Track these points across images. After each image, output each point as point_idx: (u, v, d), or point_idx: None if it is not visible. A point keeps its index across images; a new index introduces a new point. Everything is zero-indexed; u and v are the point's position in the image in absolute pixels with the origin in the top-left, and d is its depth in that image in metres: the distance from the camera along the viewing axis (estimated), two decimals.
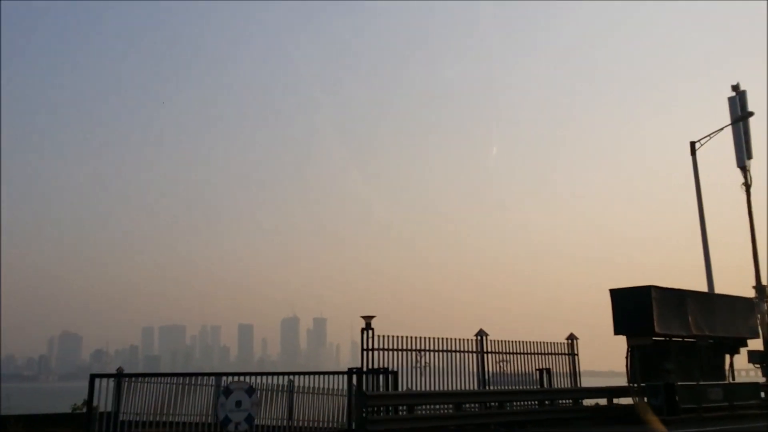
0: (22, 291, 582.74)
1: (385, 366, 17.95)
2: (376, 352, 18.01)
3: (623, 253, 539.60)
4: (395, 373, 18.04)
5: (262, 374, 16.79)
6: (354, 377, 17.40)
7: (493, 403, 19.72)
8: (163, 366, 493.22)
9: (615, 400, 22.28)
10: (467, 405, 19.19)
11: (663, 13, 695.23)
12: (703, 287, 28.55)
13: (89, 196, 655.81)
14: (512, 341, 20.92)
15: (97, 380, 16.00)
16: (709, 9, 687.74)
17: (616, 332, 22.20)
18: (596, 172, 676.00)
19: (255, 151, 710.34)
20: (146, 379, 16.64)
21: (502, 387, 20.02)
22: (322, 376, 17.58)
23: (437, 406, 18.74)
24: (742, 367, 27.56)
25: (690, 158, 31.07)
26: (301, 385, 17.09)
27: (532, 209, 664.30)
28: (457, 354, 19.49)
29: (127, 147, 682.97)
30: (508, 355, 20.54)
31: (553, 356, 21.79)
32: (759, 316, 27.16)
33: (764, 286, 28.77)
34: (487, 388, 19.69)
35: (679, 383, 21.92)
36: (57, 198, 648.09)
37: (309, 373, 17.62)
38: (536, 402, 20.64)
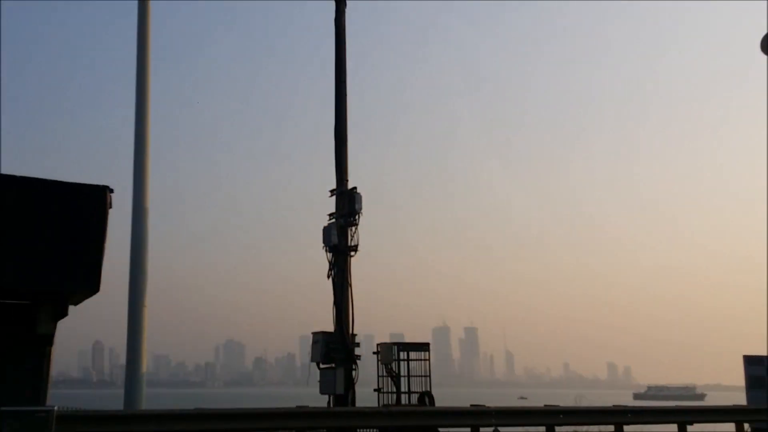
0: (192, 301, 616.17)
1: None
2: None
3: None
4: None
5: None
6: None
7: None
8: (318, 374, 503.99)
9: None
10: None
11: None
12: None
13: (259, 206, 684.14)
14: None
15: None
16: None
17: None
18: None
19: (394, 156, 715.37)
20: None
21: None
22: None
23: None
24: None
25: None
26: None
27: (692, 210, 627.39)
28: None
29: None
30: None
31: None
32: None
33: None
34: None
35: None
36: (226, 209, 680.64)
37: None
38: None
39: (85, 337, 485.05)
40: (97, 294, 9.28)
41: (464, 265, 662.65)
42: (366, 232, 19.73)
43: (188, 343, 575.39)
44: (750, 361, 18.93)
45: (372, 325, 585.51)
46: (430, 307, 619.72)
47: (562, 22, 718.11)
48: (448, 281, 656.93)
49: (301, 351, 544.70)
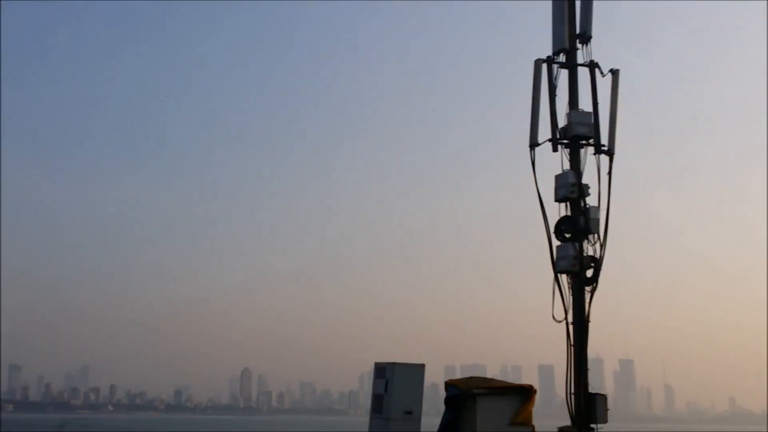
0: (337, 329, 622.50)
1: None
2: None
3: None
4: None
5: None
6: None
7: None
8: None
9: None
10: None
11: None
12: None
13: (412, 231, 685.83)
14: None
15: None
16: None
17: None
18: None
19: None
20: None
21: None
22: None
23: None
24: None
25: None
26: None
27: None
28: None
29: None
30: None
31: None
32: None
33: None
34: None
35: None
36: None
37: None
38: None
39: (234, 364, 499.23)
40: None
41: (618, 294, 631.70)
42: None
43: (334, 371, 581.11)
44: None
45: (519, 355, 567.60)
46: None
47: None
48: (603, 311, 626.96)
49: (448, 377, 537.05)
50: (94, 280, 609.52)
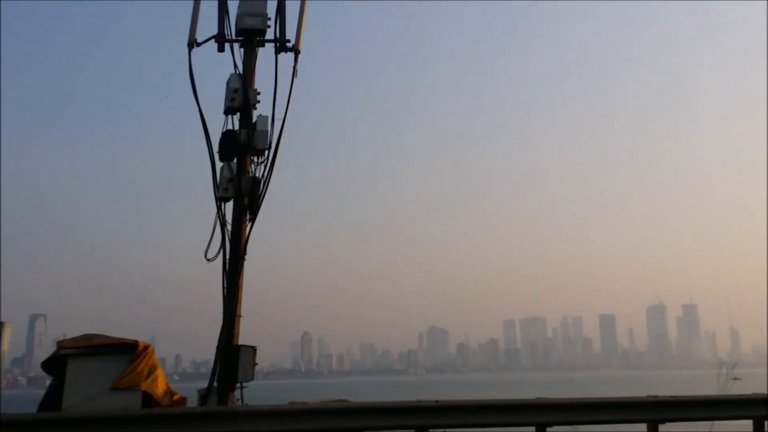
0: (399, 288, 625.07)
1: None
2: None
3: None
4: None
5: None
6: None
7: None
8: (523, 359, 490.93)
9: None
10: None
11: None
12: None
13: (445, 196, 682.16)
14: None
15: None
16: None
17: None
18: None
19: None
20: None
21: None
22: None
23: None
24: None
25: None
26: None
27: None
28: None
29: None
30: None
31: None
32: None
33: None
34: None
35: None
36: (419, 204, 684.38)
37: None
38: None
39: (296, 328, 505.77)
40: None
41: (682, 235, 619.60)
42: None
43: (394, 332, 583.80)
44: None
45: (579, 306, 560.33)
46: (644, 283, 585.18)
47: None
48: (664, 253, 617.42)
49: (504, 336, 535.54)
50: (151, 243, 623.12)
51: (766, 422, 10.01)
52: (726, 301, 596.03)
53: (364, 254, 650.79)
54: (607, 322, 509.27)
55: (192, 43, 11.29)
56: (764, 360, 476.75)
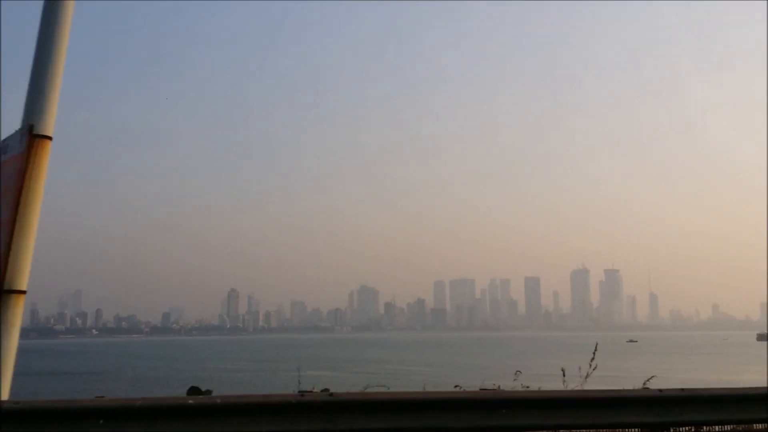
0: (330, 247, 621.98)
1: None
2: None
3: None
4: None
5: None
6: None
7: None
8: (449, 320, 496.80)
9: None
10: None
11: None
12: None
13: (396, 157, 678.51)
14: None
15: None
16: None
17: None
18: None
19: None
20: None
21: None
22: None
23: None
24: None
25: None
26: None
27: None
28: None
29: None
30: None
31: None
32: None
33: None
34: None
35: None
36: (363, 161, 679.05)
37: None
38: None
39: (227, 286, 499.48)
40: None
41: (604, 206, 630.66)
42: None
43: (326, 290, 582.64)
44: None
45: (507, 269, 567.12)
46: (569, 248, 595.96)
47: None
48: (587, 223, 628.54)
49: (434, 297, 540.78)
50: (94, 206, 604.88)
51: None
52: (647, 266, 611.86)
53: (307, 209, 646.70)
54: (533, 285, 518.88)
55: None
56: (681, 324, 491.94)
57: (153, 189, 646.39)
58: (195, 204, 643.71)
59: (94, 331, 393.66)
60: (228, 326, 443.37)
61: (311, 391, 7.16)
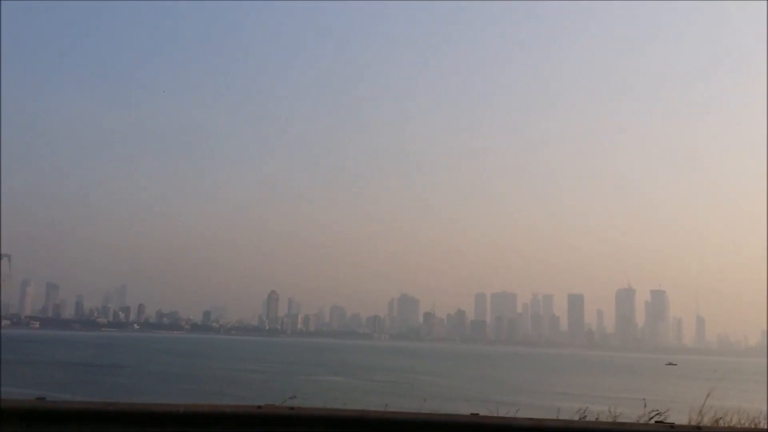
0: (371, 257, 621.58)
1: None
2: None
3: None
4: None
5: None
6: None
7: None
8: (488, 332, 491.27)
9: None
10: None
11: None
12: None
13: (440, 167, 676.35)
14: None
15: None
16: None
17: None
18: None
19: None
20: None
21: None
22: None
23: None
24: None
25: None
26: None
27: None
28: None
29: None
30: None
31: None
32: None
33: None
34: None
35: None
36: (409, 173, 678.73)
37: None
38: None
39: (265, 287, 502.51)
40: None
41: (654, 226, 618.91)
42: None
43: (367, 297, 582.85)
44: None
45: (550, 285, 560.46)
46: (615, 267, 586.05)
47: None
48: (635, 241, 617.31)
49: (475, 309, 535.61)
50: (138, 203, 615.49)
51: None
52: (695, 288, 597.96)
53: (348, 218, 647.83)
54: (576, 302, 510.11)
55: None
56: (728, 349, 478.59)
57: (203, 194, 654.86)
58: (239, 207, 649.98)
59: (135, 325, 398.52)
60: (267, 327, 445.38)
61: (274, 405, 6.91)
